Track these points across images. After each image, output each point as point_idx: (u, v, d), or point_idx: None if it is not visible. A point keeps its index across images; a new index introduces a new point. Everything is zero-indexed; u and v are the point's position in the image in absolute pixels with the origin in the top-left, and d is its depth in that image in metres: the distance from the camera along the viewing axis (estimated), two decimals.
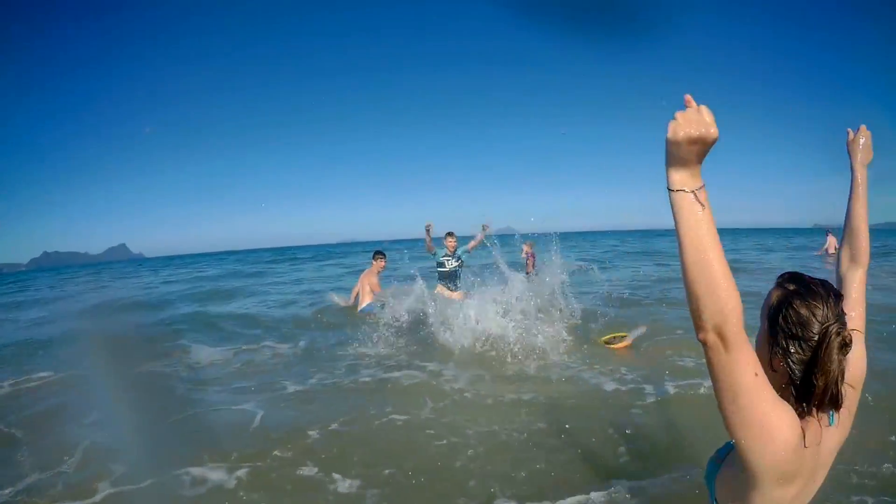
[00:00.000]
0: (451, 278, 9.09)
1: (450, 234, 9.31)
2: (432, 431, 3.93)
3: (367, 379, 5.48)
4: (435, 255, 8.80)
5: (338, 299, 10.32)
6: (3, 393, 5.80)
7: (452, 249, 9.12)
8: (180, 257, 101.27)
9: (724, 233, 1.14)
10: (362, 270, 9.33)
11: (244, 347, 7.19)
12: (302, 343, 7.34)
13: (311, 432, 4.04)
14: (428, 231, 8.52)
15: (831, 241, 17.59)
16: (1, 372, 6.57)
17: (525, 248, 13.82)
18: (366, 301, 8.98)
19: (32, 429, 4.48)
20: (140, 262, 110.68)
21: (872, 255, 1.61)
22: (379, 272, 9.12)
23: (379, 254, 9.11)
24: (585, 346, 6.17)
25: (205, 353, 6.87)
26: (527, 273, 13.16)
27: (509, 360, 5.94)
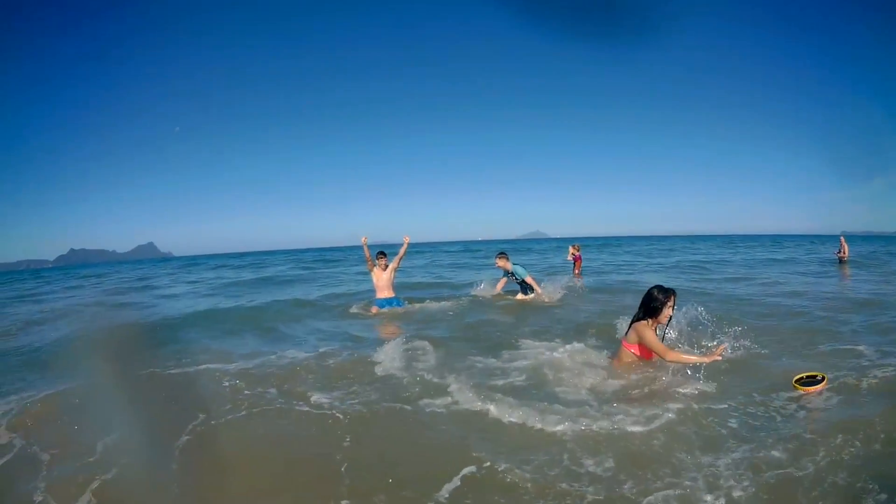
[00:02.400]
0: (523, 288, 10.26)
1: (501, 255, 10.34)
2: None
3: None
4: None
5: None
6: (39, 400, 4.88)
7: (504, 268, 10.23)
8: (211, 257, 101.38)
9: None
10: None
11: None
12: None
13: None
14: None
15: (844, 246, 18.75)
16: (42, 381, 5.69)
17: (571, 250, 14.93)
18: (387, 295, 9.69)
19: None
20: (168, 260, 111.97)
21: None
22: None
23: (381, 254, 9.62)
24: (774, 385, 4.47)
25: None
26: (574, 275, 14.34)
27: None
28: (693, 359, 4.31)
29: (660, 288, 4.51)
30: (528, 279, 9.98)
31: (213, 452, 3.76)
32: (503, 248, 11.13)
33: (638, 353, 4.53)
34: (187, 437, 3.87)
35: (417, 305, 9.93)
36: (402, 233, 9.92)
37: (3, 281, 40.72)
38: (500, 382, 4.84)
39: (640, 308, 4.58)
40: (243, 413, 4.33)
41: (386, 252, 9.64)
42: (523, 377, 4.99)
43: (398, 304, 9.66)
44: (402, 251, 9.75)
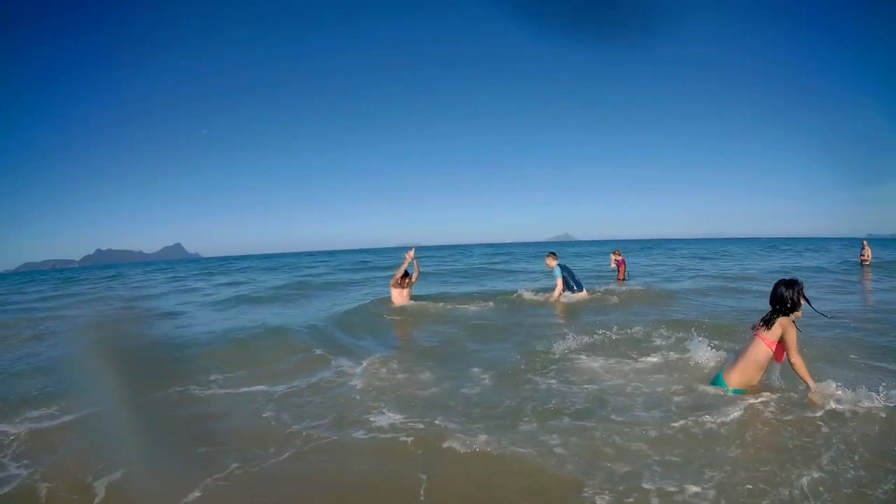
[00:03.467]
0: (569, 286, 10.59)
1: (552, 254, 10.88)
2: None
3: None
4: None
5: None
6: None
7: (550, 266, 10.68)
8: (240, 258, 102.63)
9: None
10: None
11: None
12: None
13: None
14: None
15: (867, 251, 19.00)
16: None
17: (614, 256, 14.46)
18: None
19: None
20: (197, 261, 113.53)
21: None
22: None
23: (407, 275, 10.00)
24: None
25: None
26: (618, 280, 13.88)
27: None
28: (806, 375, 4.07)
29: (786, 282, 4.17)
30: (558, 282, 10.42)
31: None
32: (530, 250, 11.12)
33: (773, 351, 4.11)
34: (216, 482, 3.30)
35: (461, 307, 10.13)
36: (428, 236, 10.50)
37: (31, 280, 41.38)
38: (574, 407, 4.24)
39: (775, 306, 4.17)
40: (291, 452, 3.73)
41: (410, 273, 9.99)
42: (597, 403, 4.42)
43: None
44: (415, 275, 10.14)
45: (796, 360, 4.03)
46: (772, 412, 3.87)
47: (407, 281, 9.95)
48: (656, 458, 3.29)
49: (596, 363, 5.56)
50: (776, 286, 4.18)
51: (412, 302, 10.27)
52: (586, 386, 4.80)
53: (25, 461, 3.76)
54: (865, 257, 18.90)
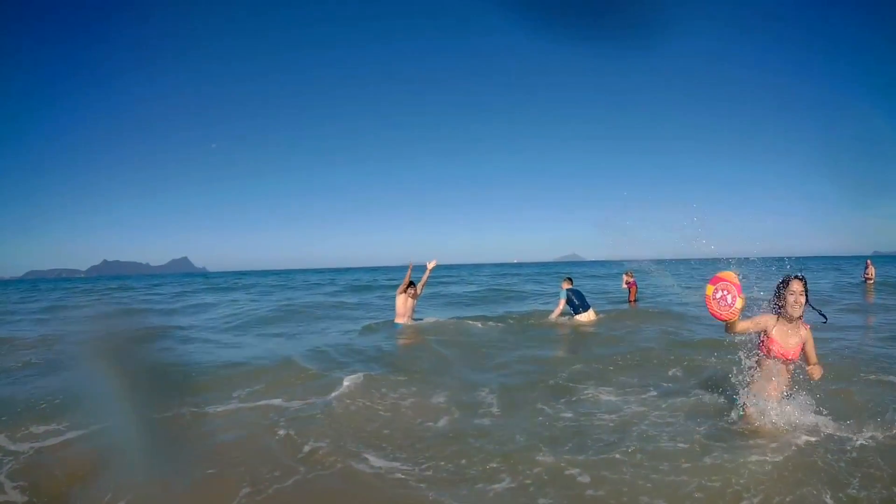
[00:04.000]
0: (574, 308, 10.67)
1: (568, 279, 11.11)
2: None
3: None
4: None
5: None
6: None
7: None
8: (247, 273, 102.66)
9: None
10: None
11: None
12: None
13: None
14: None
15: (871, 269, 19.02)
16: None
17: (626, 277, 14.23)
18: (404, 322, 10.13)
19: None
20: (204, 275, 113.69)
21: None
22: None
23: (412, 284, 10.00)
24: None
25: None
26: (630, 302, 13.68)
27: None
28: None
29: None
30: (560, 301, 10.61)
31: None
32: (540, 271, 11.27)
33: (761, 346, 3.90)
34: None
35: (474, 327, 10.24)
36: (437, 254, 10.32)
37: (35, 289, 41.35)
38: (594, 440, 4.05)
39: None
40: (296, 479, 3.58)
41: (415, 282, 10.04)
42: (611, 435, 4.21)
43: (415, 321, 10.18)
44: (426, 276, 10.21)
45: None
46: (798, 436, 3.71)
47: (413, 291, 10.01)
48: (695, 492, 3.13)
49: (611, 390, 5.40)
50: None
51: (417, 322, 10.33)
52: (605, 416, 4.59)
53: (22, 482, 3.60)
54: (869, 276, 18.96)
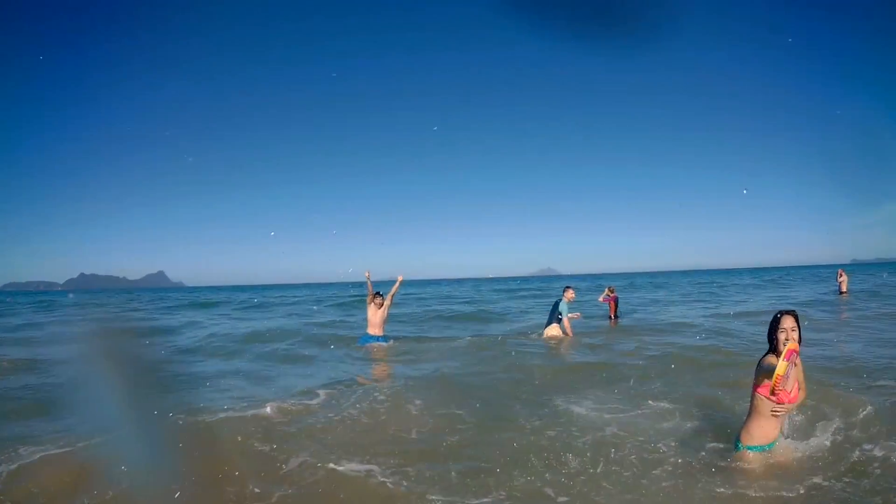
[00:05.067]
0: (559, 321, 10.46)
1: (569, 287, 10.75)
2: None
3: None
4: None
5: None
6: None
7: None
8: (224, 289, 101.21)
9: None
10: None
11: None
12: None
13: None
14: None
15: (843, 279, 19.57)
16: None
17: (606, 291, 14.24)
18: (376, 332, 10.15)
19: None
20: (181, 290, 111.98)
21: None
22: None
23: (378, 294, 10.09)
24: None
25: None
26: (611, 318, 13.68)
27: None
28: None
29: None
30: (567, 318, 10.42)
31: None
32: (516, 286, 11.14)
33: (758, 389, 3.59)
34: None
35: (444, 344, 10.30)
36: (409, 269, 10.62)
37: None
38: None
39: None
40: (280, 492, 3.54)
41: (382, 293, 10.13)
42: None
43: (383, 341, 10.13)
44: (394, 289, 10.16)
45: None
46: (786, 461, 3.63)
47: (380, 300, 10.07)
48: None
49: (591, 409, 5.33)
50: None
51: (393, 336, 10.58)
52: (584, 438, 4.51)
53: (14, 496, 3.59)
54: (843, 287, 19.53)
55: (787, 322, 3.45)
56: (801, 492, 3.25)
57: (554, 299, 10.87)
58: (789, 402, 3.36)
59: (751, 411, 3.58)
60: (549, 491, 3.45)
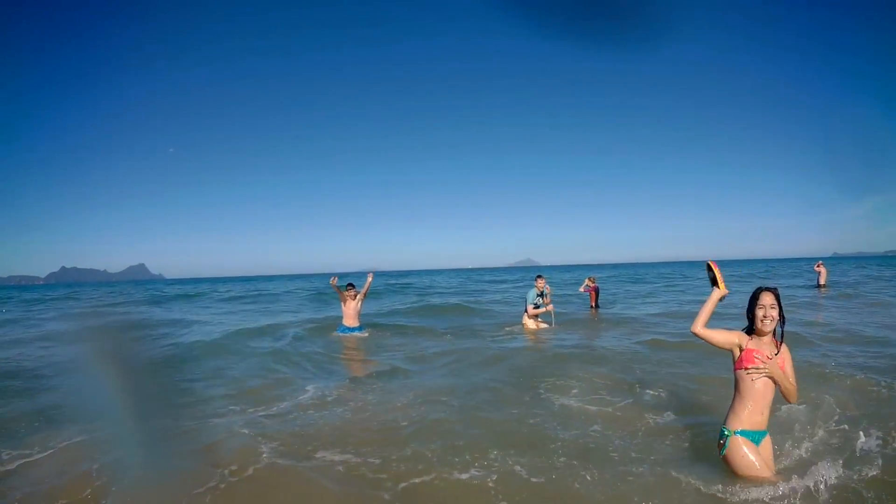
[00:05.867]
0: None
1: (540, 276, 10.83)
2: None
3: None
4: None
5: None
6: None
7: (545, 290, 10.58)
8: (203, 280, 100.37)
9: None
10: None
11: None
12: None
13: None
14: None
15: (822, 271, 19.63)
16: None
17: (587, 281, 14.10)
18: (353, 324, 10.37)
19: None
20: (160, 282, 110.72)
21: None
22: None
23: (350, 286, 10.33)
24: None
25: None
26: (591, 308, 13.52)
27: None
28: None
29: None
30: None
31: None
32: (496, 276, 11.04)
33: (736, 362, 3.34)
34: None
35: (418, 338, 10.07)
36: (390, 260, 10.64)
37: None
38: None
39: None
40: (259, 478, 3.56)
41: (355, 284, 10.42)
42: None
43: (360, 331, 10.35)
44: (366, 286, 10.40)
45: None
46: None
47: (353, 292, 10.28)
48: None
49: (575, 398, 5.26)
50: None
51: (372, 326, 10.58)
52: (567, 425, 4.46)
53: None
54: (822, 279, 19.53)
55: (767, 299, 3.22)
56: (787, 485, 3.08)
57: (526, 289, 10.98)
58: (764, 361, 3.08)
59: (735, 394, 3.31)
60: (523, 472, 3.49)
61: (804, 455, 3.63)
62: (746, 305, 3.27)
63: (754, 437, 3.18)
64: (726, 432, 3.21)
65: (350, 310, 10.30)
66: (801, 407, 4.44)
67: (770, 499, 2.96)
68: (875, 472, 3.25)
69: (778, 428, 3.90)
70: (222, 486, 3.40)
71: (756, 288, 3.31)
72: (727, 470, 3.18)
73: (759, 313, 3.19)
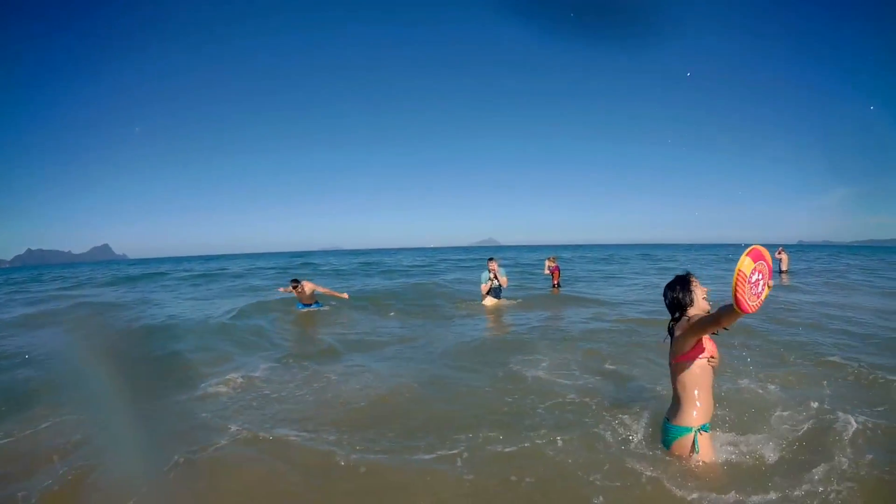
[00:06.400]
0: (495, 292, 10.87)
1: (492, 259, 11.16)
2: None
3: None
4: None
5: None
6: None
7: (496, 271, 10.83)
8: (164, 260, 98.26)
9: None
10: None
11: None
12: None
13: None
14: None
15: (783, 257, 19.49)
16: None
17: (548, 263, 14.07)
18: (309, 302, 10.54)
19: None
20: (123, 262, 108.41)
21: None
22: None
23: (295, 281, 10.36)
24: None
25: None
26: (553, 287, 13.48)
27: None
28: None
29: (678, 284, 3.11)
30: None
31: None
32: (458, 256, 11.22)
33: (684, 357, 3.01)
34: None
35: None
36: (353, 240, 10.87)
37: None
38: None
39: (674, 313, 3.12)
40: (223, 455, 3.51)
41: (300, 279, 10.40)
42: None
43: (318, 306, 10.46)
44: (331, 293, 10.60)
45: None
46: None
47: (298, 284, 10.24)
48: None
49: (544, 373, 5.24)
50: (669, 294, 3.12)
51: (331, 309, 10.51)
52: (540, 399, 4.46)
53: None
54: (782, 265, 19.57)
55: (698, 283, 3.09)
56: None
57: (483, 269, 11.18)
58: (746, 311, 2.52)
59: (688, 388, 2.94)
60: (500, 447, 3.43)
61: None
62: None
63: (707, 428, 2.98)
64: (691, 430, 2.91)
65: (302, 296, 10.31)
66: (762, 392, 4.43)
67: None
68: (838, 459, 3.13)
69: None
70: (178, 470, 3.28)
71: (684, 272, 3.12)
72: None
73: (701, 294, 3.01)
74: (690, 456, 2.91)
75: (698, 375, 2.92)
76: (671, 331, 3.05)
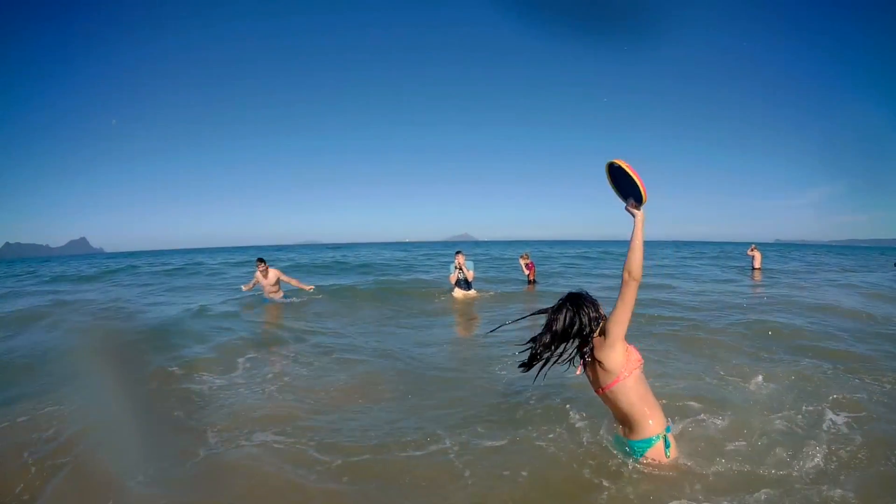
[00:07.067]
0: (463, 284, 11.34)
1: (459, 252, 11.50)
2: None
3: None
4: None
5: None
6: None
7: (461, 265, 11.20)
8: (140, 254, 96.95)
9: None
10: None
11: None
12: None
13: None
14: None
15: (756, 255, 19.86)
16: None
17: (523, 260, 14.08)
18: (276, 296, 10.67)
19: None
20: (100, 256, 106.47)
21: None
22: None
23: (260, 260, 10.60)
24: None
25: None
26: (529, 283, 13.49)
27: None
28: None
29: (578, 306, 2.95)
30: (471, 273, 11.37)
31: None
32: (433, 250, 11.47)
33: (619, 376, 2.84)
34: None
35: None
36: (322, 235, 10.61)
37: None
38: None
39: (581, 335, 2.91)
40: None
41: (265, 259, 10.63)
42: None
43: (286, 299, 10.62)
44: (297, 284, 10.75)
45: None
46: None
47: (264, 266, 10.42)
48: None
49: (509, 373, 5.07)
50: (568, 317, 2.90)
51: (301, 301, 10.59)
52: (525, 388, 4.48)
53: None
54: (755, 262, 19.89)
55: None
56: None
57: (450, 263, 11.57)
58: (642, 186, 2.70)
59: (643, 398, 2.80)
60: (489, 442, 3.43)
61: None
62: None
63: (670, 429, 2.94)
64: (660, 437, 2.82)
65: (268, 285, 10.40)
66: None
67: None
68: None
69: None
70: (163, 476, 3.17)
71: (569, 293, 3.02)
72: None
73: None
74: (665, 460, 2.84)
75: (639, 386, 2.80)
76: (585, 358, 2.88)
